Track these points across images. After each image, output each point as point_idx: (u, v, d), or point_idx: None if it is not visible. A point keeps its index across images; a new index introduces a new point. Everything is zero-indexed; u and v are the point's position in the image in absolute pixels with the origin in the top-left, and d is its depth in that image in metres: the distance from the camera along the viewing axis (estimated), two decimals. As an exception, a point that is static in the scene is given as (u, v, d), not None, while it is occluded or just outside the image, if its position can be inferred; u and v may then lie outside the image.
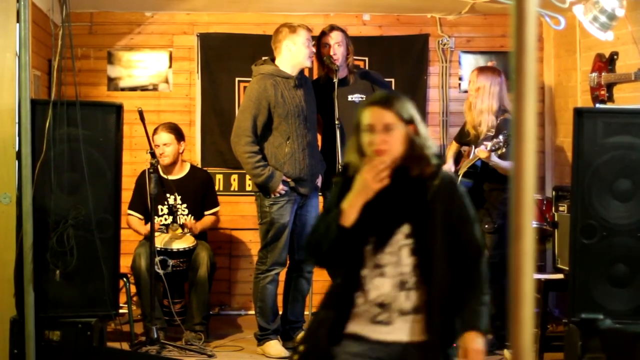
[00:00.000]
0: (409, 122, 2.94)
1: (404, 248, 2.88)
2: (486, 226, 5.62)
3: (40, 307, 4.49)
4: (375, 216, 2.89)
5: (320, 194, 5.89)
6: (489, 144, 5.37)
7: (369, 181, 2.85)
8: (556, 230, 5.44)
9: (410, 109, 2.97)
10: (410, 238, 2.88)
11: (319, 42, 5.81)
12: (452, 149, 6.06)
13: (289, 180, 5.52)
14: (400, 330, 2.90)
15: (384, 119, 2.90)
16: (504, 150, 5.33)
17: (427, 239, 2.87)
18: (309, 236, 3.03)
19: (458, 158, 5.97)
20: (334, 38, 5.77)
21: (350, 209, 2.86)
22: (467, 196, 3.06)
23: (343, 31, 5.86)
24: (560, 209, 5.38)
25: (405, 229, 2.89)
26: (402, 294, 2.88)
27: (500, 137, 5.36)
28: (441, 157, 2.99)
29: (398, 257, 2.88)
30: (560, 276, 5.32)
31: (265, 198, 5.52)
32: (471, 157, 5.67)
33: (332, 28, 5.84)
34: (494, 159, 5.42)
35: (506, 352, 5.47)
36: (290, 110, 5.50)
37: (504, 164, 5.43)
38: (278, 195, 5.51)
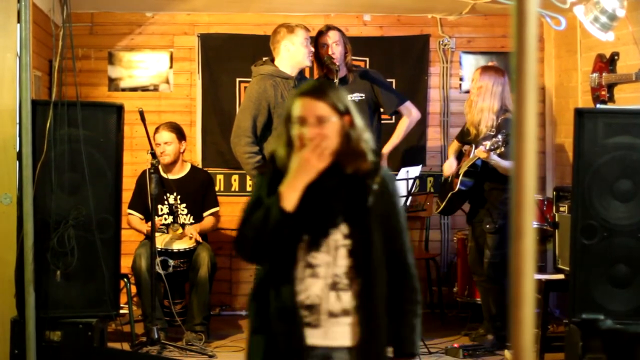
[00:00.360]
0: (345, 113, 2.69)
1: (341, 248, 2.67)
2: (487, 226, 5.62)
3: (41, 307, 4.49)
4: (311, 211, 2.65)
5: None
6: (488, 143, 5.37)
7: (311, 160, 2.61)
8: (557, 230, 5.44)
9: (345, 99, 2.73)
10: (349, 239, 2.67)
11: (316, 42, 5.81)
12: (453, 147, 6.06)
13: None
14: (330, 334, 2.69)
15: (317, 111, 2.65)
16: (502, 149, 5.33)
17: (366, 241, 2.67)
18: (239, 228, 2.73)
19: (460, 157, 5.97)
20: (332, 37, 5.77)
21: (291, 191, 2.62)
22: (400, 199, 2.92)
23: (340, 30, 5.86)
24: (561, 209, 5.38)
25: (344, 228, 2.67)
26: (332, 294, 2.67)
27: (499, 136, 5.36)
28: (379, 153, 2.77)
29: (333, 257, 2.67)
30: (560, 276, 5.32)
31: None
32: (471, 156, 5.67)
33: (329, 28, 5.85)
34: (494, 158, 5.42)
35: (507, 353, 5.46)
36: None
37: (504, 163, 5.43)
38: (278, 195, 5.51)
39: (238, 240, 2.75)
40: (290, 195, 2.61)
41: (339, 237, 2.67)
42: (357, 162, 2.68)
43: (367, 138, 2.72)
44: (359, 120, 2.72)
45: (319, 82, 3.07)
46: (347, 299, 2.68)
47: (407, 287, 2.76)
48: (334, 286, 2.67)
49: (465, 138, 5.84)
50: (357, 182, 2.69)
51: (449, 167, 5.93)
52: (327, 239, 2.67)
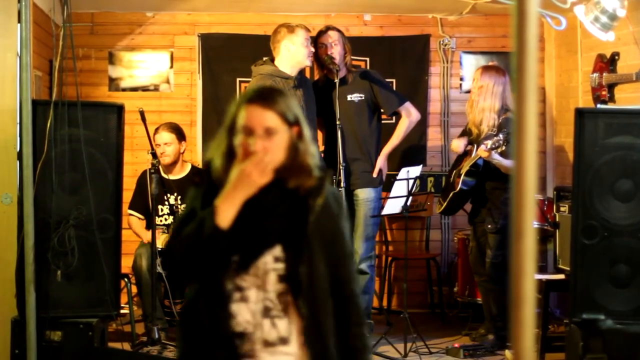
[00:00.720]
0: (293, 123, 2.43)
1: (270, 272, 2.39)
2: (489, 226, 5.62)
3: (42, 307, 4.49)
4: (245, 230, 2.38)
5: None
6: (489, 142, 5.37)
7: (253, 174, 2.35)
8: (557, 230, 5.44)
9: (295, 107, 2.47)
10: (281, 262, 2.39)
11: (316, 43, 5.81)
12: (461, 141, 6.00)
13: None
14: None
15: (266, 121, 2.39)
16: (504, 148, 5.33)
17: (301, 267, 2.38)
18: (168, 242, 2.48)
19: (461, 156, 5.97)
20: (331, 38, 5.77)
21: (227, 206, 2.36)
22: (348, 218, 2.61)
23: (339, 31, 5.86)
24: (562, 209, 5.38)
25: (277, 251, 2.39)
26: (267, 321, 2.40)
27: (500, 135, 5.36)
28: (325, 169, 2.52)
29: (263, 281, 2.39)
30: (561, 276, 5.32)
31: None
32: (473, 155, 5.67)
33: (328, 28, 5.85)
34: (496, 157, 5.41)
35: (507, 353, 5.46)
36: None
37: (506, 162, 5.43)
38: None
39: (166, 256, 2.51)
40: (226, 210, 2.35)
41: (269, 259, 2.39)
42: (301, 178, 2.42)
43: (313, 152, 2.48)
44: (307, 132, 2.47)
45: (268, 88, 2.73)
46: (283, 327, 2.40)
47: (354, 322, 2.49)
48: (266, 312, 2.40)
49: (467, 138, 5.84)
50: (299, 200, 2.42)
51: (457, 144, 5.89)
52: (257, 261, 2.39)
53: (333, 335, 2.44)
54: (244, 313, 2.40)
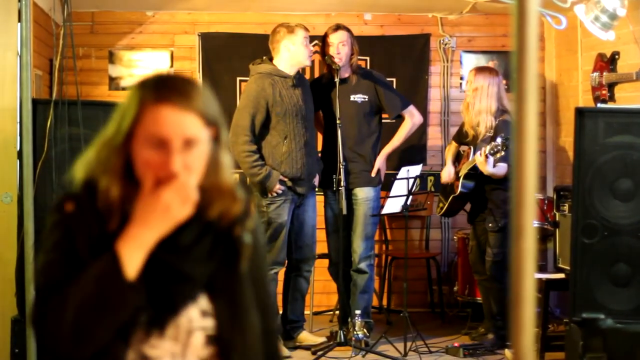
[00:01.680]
0: (211, 123, 1.77)
1: (197, 332, 1.77)
2: (490, 225, 5.62)
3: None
4: (156, 278, 1.73)
5: (319, 193, 5.90)
6: (487, 148, 5.35)
7: (173, 206, 1.70)
8: (557, 229, 5.44)
9: (212, 100, 1.81)
10: (210, 318, 1.78)
11: (324, 41, 5.82)
12: (451, 150, 6.06)
13: (286, 179, 5.52)
14: None
15: (186, 129, 1.72)
16: (502, 153, 5.32)
17: (236, 320, 1.80)
18: (40, 306, 1.71)
19: (458, 158, 5.97)
20: (339, 37, 5.77)
21: (134, 250, 1.70)
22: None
23: (349, 31, 5.85)
24: (562, 208, 5.38)
25: (203, 303, 1.78)
26: None
27: (498, 139, 5.33)
28: (248, 188, 2.00)
29: (183, 345, 1.76)
30: (561, 276, 5.32)
31: (263, 198, 5.52)
32: (471, 159, 5.66)
33: (338, 27, 5.84)
34: (488, 168, 5.39)
35: (507, 352, 5.47)
36: (288, 110, 5.50)
37: (498, 172, 5.42)
38: (275, 194, 5.51)
39: (42, 326, 1.71)
40: (132, 256, 1.69)
41: (194, 315, 1.77)
42: (224, 203, 1.80)
43: (229, 163, 1.83)
44: (225, 134, 1.82)
45: (178, 78, 1.85)
46: None
47: None
48: None
49: (463, 139, 5.85)
50: (223, 233, 1.81)
51: (447, 174, 5.93)
52: (177, 319, 1.75)
53: None
54: None
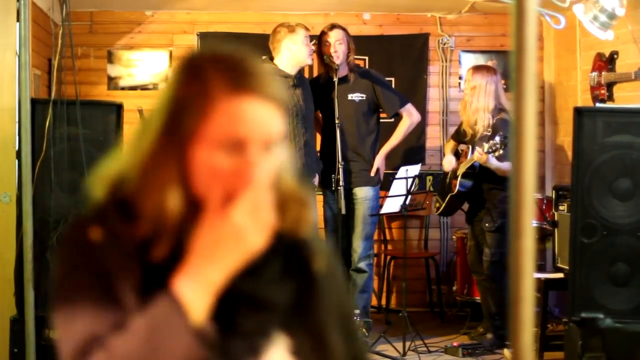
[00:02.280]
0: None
1: None
2: (487, 225, 5.62)
3: (41, 306, 4.49)
4: (224, 316, 1.33)
5: (319, 192, 5.90)
6: (486, 146, 5.35)
7: (248, 230, 1.30)
8: (556, 229, 5.44)
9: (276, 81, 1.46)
10: (294, 358, 1.40)
11: (320, 40, 5.81)
12: (449, 146, 6.06)
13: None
14: None
15: (269, 128, 1.36)
16: (501, 151, 5.32)
17: (322, 356, 1.44)
18: None
19: (456, 156, 5.97)
20: (335, 36, 5.77)
21: (200, 291, 1.29)
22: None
23: (344, 30, 5.86)
24: (560, 208, 5.39)
25: (284, 341, 1.39)
26: None
27: (497, 138, 5.34)
28: (311, 188, 1.47)
29: None
30: (560, 275, 5.32)
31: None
32: (469, 158, 5.66)
33: (333, 26, 5.84)
34: (492, 162, 5.40)
35: (506, 352, 5.47)
36: (289, 110, 5.50)
37: (503, 165, 5.42)
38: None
39: None
40: (198, 299, 1.28)
41: (277, 358, 1.38)
42: (298, 216, 1.43)
43: (290, 160, 1.47)
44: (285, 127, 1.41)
45: (249, 58, 1.47)
46: None
47: None
48: None
49: (462, 138, 5.85)
50: (296, 255, 1.44)
51: (449, 162, 5.92)
52: None
53: None
54: None
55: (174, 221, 1.32)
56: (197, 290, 1.28)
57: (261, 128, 1.34)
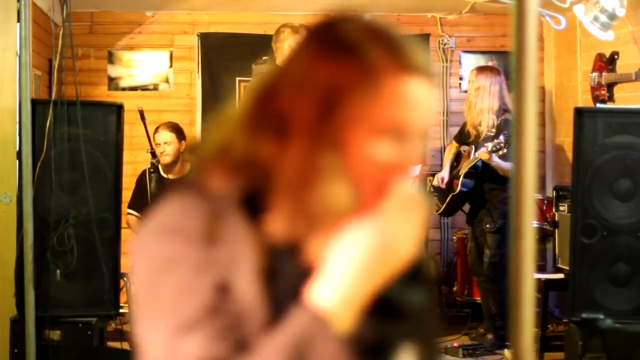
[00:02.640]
0: None
1: None
2: (487, 225, 5.62)
3: (41, 306, 4.49)
4: (367, 333, 1.18)
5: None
6: (490, 145, 5.36)
7: (406, 233, 1.15)
8: (556, 229, 5.44)
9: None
10: None
11: None
12: (451, 151, 6.06)
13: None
14: None
15: (429, 113, 1.20)
16: (505, 150, 5.33)
17: None
18: None
19: (458, 158, 5.98)
20: None
21: (346, 305, 1.12)
22: None
23: None
24: (561, 208, 5.38)
25: (408, 354, 1.25)
26: None
27: (501, 137, 5.36)
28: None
29: None
30: (560, 276, 5.32)
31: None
32: (472, 157, 5.67)
33: None
34: (495, 160, 5.41)
35: (506, 352, 5.47)
36: None
37: (506, 165, 5.42)
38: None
39: None
40: (343, 312, 1.11)
41: None
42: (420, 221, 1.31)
43: None
44: None
45: (397, 31, 1.27)
46: None
47: None
48: None
49: (465, 139, 5.85)
50: (417, 261, 1.27)
51: (440, 179, 5.96)
52: None
53: None
54: None
55: (339, 218, 1.11)
56: (341, 303, 1.10)
57: (422, 113, 1.17)
